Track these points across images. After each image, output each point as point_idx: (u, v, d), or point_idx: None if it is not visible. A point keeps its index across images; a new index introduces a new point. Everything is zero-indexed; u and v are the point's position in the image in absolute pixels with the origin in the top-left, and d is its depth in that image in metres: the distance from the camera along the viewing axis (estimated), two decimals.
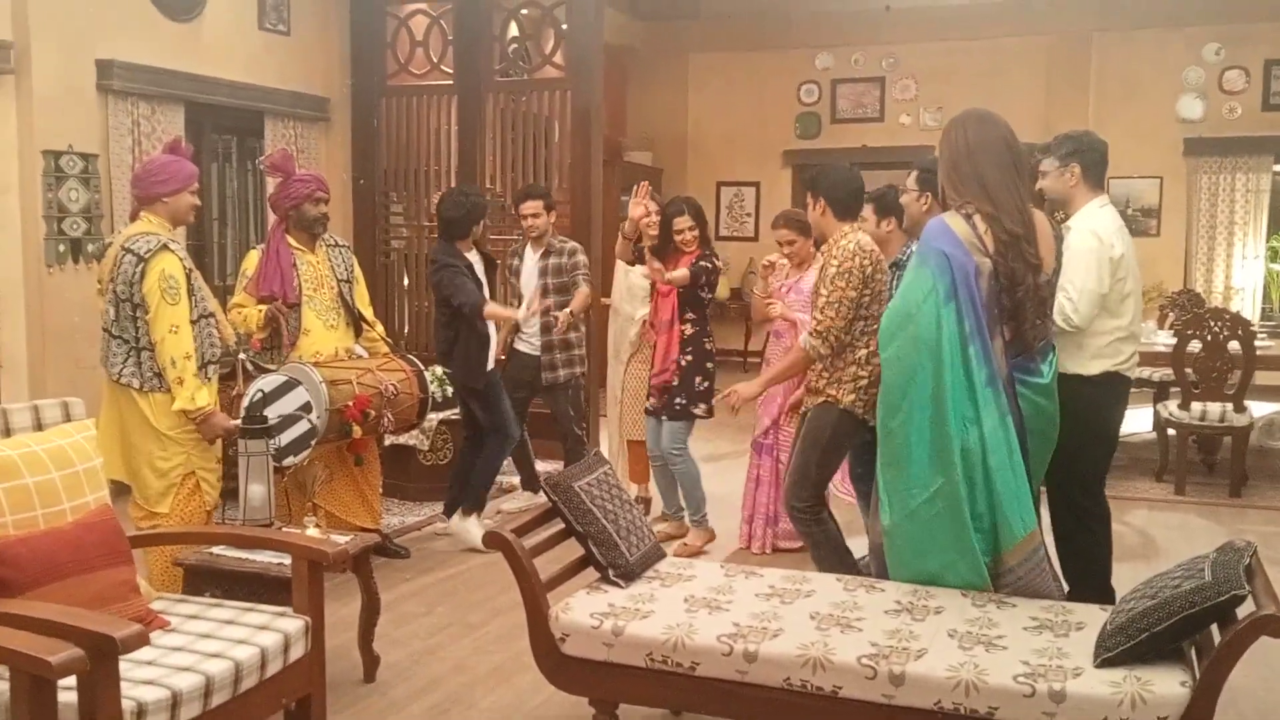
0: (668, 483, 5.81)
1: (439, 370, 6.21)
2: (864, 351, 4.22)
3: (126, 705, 2.59)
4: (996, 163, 3.41)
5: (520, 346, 6.06)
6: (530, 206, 5.91)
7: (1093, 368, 4.05)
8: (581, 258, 5.92)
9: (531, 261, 5.99)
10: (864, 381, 4.22)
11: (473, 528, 5.54)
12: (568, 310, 5.64)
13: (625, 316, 6.07)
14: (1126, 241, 4.12)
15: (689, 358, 5.52)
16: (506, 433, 5.69)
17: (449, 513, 5.76)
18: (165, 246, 4.11)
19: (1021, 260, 3.36)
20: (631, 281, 5.98)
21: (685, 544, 5.62)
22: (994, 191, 3.37)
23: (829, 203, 4.37)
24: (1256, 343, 6.92)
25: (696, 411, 5.54)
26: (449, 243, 5.56)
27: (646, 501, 6.19)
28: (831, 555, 4.37)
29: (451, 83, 7.91)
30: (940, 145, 3.52)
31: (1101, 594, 3.93)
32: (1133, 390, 8.06)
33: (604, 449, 6.45)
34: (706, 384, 5.55)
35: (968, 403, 3.26)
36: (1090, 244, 4.02)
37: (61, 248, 6.13)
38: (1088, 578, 4.01)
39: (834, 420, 4.28)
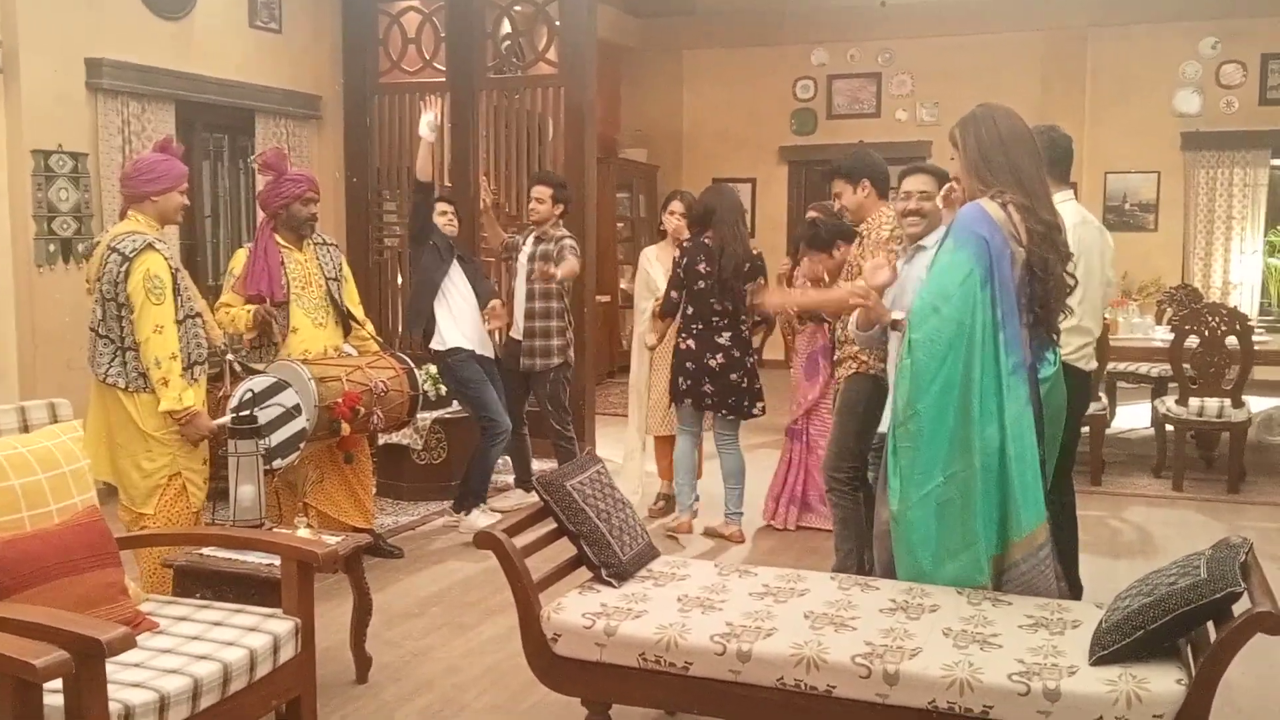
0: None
1: (432, 369, 6.20)
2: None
3: (114, 708, 2.58)
4: (1028, 153, 3.41)
5: (515, 334, 6.16)
6: (539, 191, 6.07)
7: None
8: (569, 241, 6.02)
9: (528, 247, 6.08)
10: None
11: (478, 520, 5.60)
12: (552, 268, 5.80)
13: (640, 310, 6.22)
14: (1080, 237, 4.04)
15: (674, 357, 5.65)
16: (495, 428, 5.77)
17: (457, 508, 5.92)
18: (150, 246, 4.08)
19: (1054, 250, 3.36)
20: (650, 275, 6.06)
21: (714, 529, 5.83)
22: (1028, 182, 3.37)
23: (873, 183, 4.51)
24: (1254, 338, 6.90)
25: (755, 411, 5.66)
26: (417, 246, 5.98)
27: (670, 499, 6.17)
28: (853, 535, 4.46)
29: (444, 80, 7.88)
30: (963, 137, 3.47)
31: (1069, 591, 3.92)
32: (1130, 386, 8.22)
33: (625, 445, 6.54)
34: (689, 383, 5.56)
35: (993, 390, 3.25)
36: None
37: (51, 248, 6.10)
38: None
39: (868, 388, 4.34)
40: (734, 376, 5.50)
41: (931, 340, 3.30)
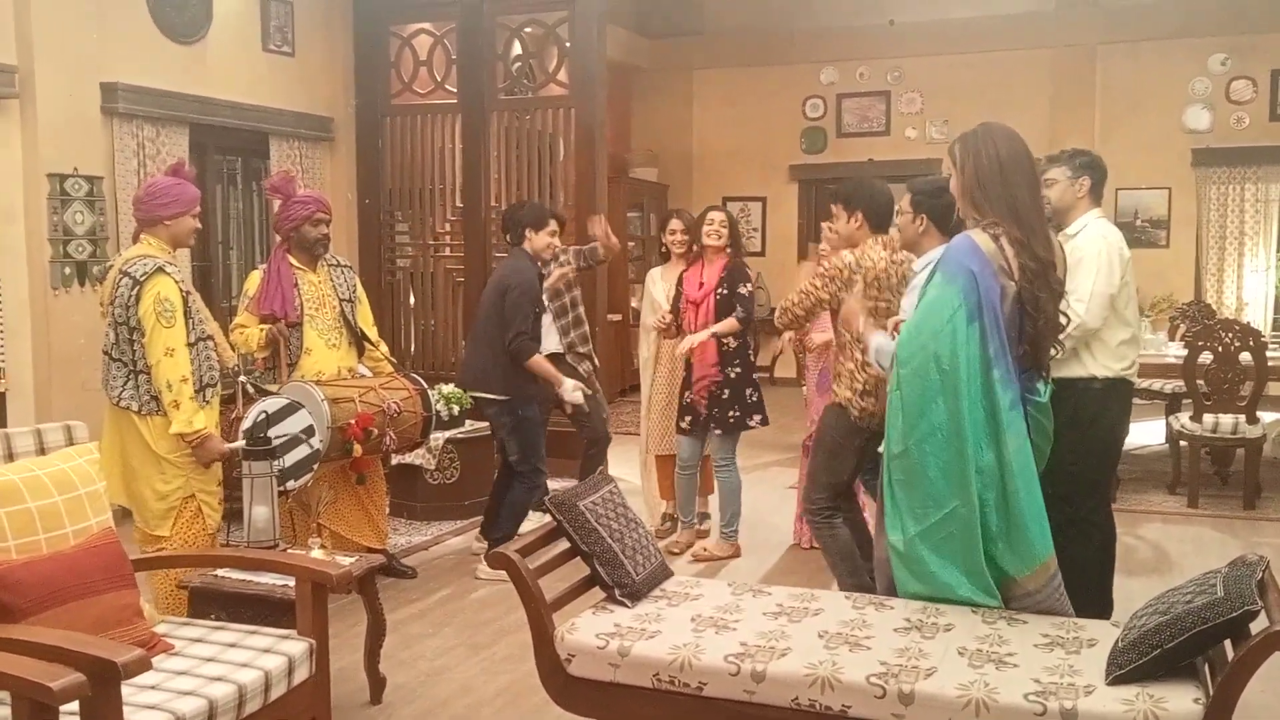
0: (691, 491, 5.89)
1: (444, 389, 6.19)
2: (861, 356, 4.22)
3: None
4: (1027, 182, 3.33)
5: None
6: (555, 224, 6.06)
7: (1101, 372, 4.21)
8: (564, 256, 6.22)
9: (548, 280, 6.09)
10: (859, 385, 4.26)
11: None
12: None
13: (645, 329, 6.24)
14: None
15: (737, 369, 5.55)
16: (536, 478, 5.54)
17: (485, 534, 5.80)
18: (161, 269, 4.09)
19: (1047, 288, 3.30)
20: (654, 296, 6.12)
21: (706, 549, 5.76)
22: (1025, 214, 3.28)
23: (866, 215, 4.47)
24: (1268, 353, 6.87)
25: (751, 424, 5.59)
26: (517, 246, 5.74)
27: (675, 519, 6.12)
28: (841, 562, 4.40)
29: (455, 101, 7.93)
30: (961, 158, 3.39)
31: (1097, 608, 3.90)
32: (1145, 403, 8.20)
33: (637, 465, 6.53)
34: (757, 395, 5.61)
35: (987, 425, 3.20)
36: (1101, 246, 4.16)
37: (67, 270, 6.14)
38: (1081, 590, 3.95)
39: (833, 420, 4.36)
40: None
41: (919, 375, 3.26)
